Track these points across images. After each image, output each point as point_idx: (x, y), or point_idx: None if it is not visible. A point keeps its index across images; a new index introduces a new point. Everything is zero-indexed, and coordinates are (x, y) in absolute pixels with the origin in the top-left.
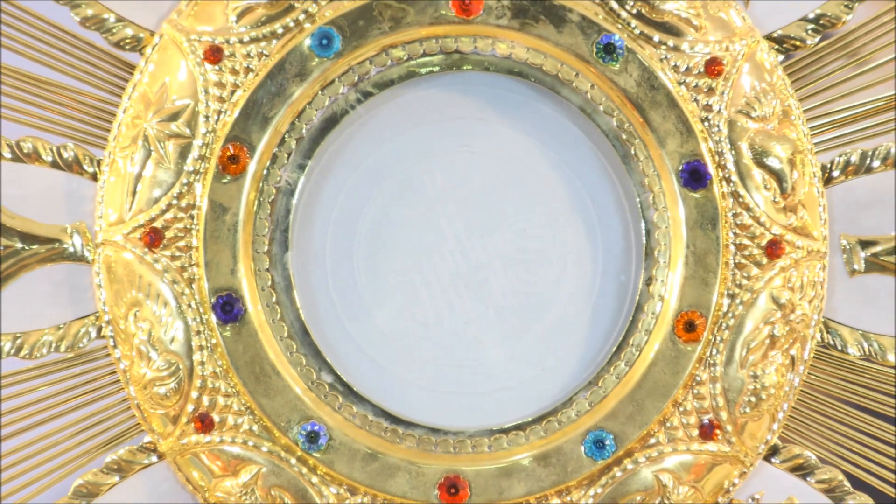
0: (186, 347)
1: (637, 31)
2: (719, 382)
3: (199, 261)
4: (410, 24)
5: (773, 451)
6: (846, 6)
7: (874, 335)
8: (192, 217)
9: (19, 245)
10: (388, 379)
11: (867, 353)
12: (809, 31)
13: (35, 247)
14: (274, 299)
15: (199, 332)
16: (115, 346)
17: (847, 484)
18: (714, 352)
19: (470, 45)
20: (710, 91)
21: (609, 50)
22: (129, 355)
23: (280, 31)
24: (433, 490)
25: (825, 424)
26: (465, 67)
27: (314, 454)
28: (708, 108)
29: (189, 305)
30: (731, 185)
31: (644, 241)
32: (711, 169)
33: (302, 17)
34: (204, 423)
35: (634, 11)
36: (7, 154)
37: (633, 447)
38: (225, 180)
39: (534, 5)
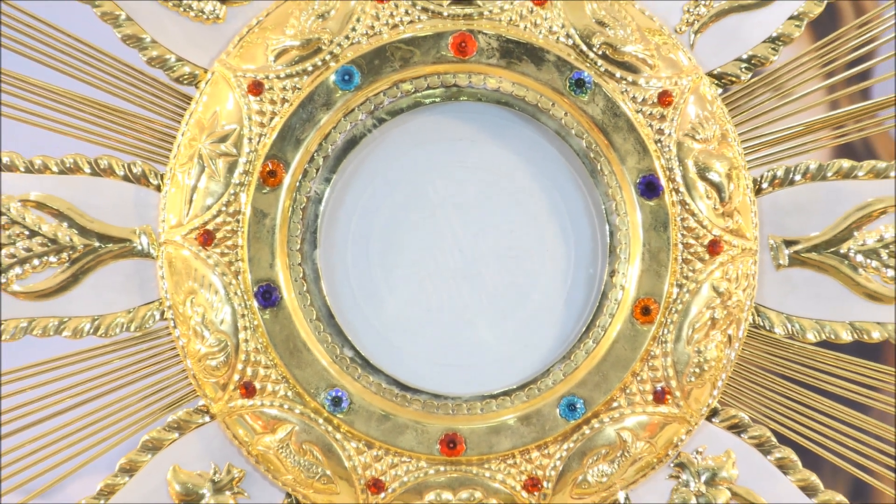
0: (233, 328)
1: (602, 69)
2: (670, 356)
3: (243, 257)
4: (417, 63)
5: (713, 413)
6: (773, 49)
7: (796, 318)
8: (237, 221)
9: (97, 244)
10: (398, 354)
11: (790, 332)
12: (743, 69)
13: (110, 245)
14: (305, 288)
15: (243, 316)
16: (175, 327)
17: (774, 439)
18: (665, 331)
19: (465, 80)
20: (662, 118)
21: (579, 84)
22: (186, 334)
23: (310, 68)
24: (435, 445)
25: (756, 391)
26: (461, 98)
27: (338, 415)
28: (660, 132)
29: (235, 293)
30: (680, 195)
31: (608, 241)
32: (663, 182)
33: (328, 57)
34: (248, 389)
35: (600, 53)
36: (87, 170)
37: (599, 410)
38: (265, 191)
39: (518, 48)
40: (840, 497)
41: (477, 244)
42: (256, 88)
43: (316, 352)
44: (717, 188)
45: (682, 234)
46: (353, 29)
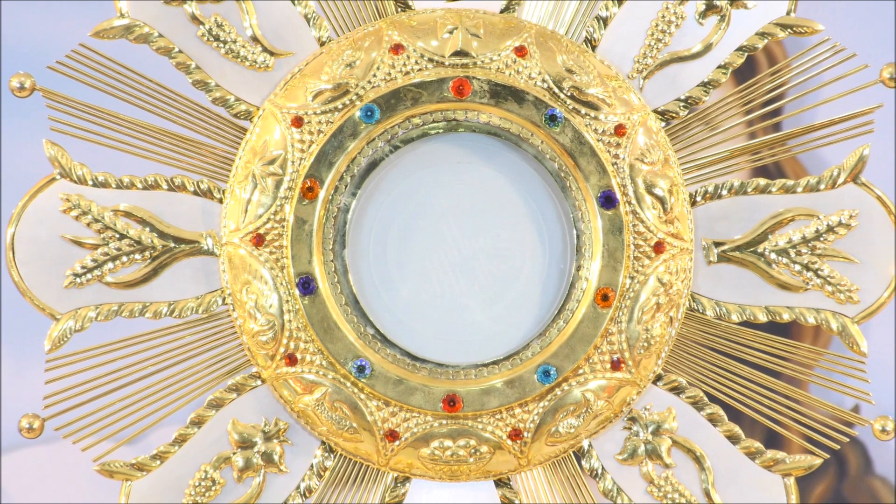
0: (279, 311)
1: (571, 107)
2: (624, 334)
3: (287, 255)
4: (424, 102)
5: (658, 378)
6: (704, 91)
7: (723, 303)
8: (283, 227)
9: (172, 245)
10: (409, 331)
11: (719, 314)
12: (681, 107)
13: (182, 246)
14: (336, 280)
15: (287, 301)
16: (233, 310)
17: (706, 399)
18: (620, 314)
19: (463, 115)
20: (618, 145)
21: (553, 119)
22: (242, 316)
23: (340, 106)
24: (439, 403)
25: (692, 361)
26: (459, 130)
27: (362, 380)
28: (616, 156)
29: (281, 284)
30: (632, 206)
31: (575, 242)
32: (619, 196)
33: (354, 97)
34: (291, 359)
35: (569, 94)
36: (165, 186)
37: (568, 375)
38: (304, 203)
39: (504, 90)
40: (758, 444)
41: (471, 245)
42: (298, 122)
43: (344, 330)
44: (661, 201)
45: (634, 237)
46: (374, 75)
